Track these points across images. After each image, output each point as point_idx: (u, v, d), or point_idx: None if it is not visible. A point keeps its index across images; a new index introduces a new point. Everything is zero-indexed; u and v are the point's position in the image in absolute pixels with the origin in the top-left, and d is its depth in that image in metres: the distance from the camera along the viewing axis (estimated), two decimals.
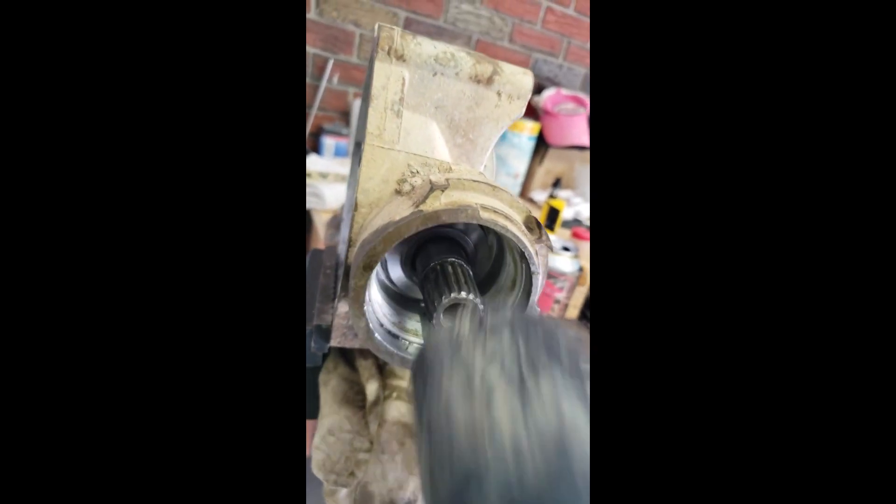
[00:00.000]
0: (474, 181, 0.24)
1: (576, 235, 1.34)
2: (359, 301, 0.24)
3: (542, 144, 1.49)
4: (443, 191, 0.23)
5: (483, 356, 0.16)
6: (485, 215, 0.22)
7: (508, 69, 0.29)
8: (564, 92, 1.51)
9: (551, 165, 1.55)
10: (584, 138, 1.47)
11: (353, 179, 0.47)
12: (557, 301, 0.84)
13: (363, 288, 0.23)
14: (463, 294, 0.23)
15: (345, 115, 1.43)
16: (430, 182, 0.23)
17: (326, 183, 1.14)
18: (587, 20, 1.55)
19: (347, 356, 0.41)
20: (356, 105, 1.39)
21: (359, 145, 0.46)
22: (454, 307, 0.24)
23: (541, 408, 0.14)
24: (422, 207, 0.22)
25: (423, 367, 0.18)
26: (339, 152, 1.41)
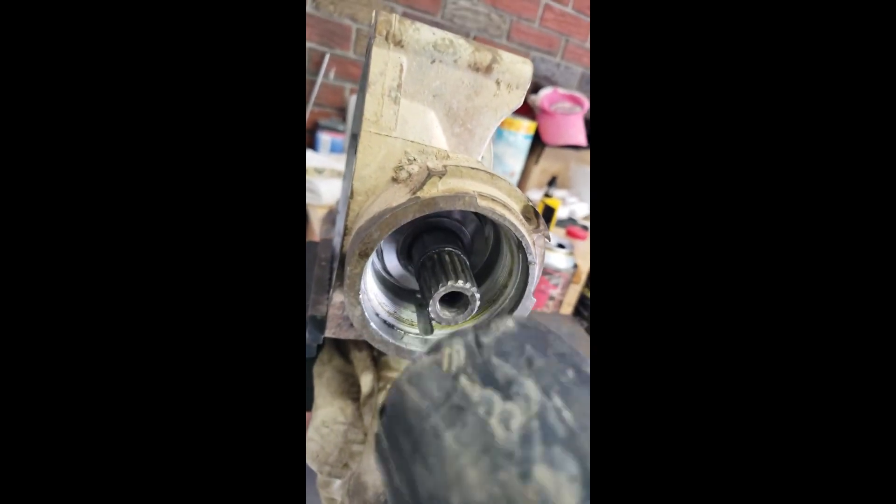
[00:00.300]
0: (472, 168, 0.24)
1: (570, 234, 1.35)
2: (354, 289, 0.24)
3: (538, 143, 1.50)
4: (440, 177, 0.23)
5: (495, 391, 0.11)
6: (482, 203, 0.22)
7: (507, 58, 0.29)
8: (561, 91, 1.51)
9: (547, 164, 1.55)
10: (580, 137, 1.47)
11: (349, 170, 0.47)
12: (552, 297, 0.84)
13: (359, 276, 0.23)
14: (460, 283, 0.23)
15: (341, 111, 1.42)
16: (428, 169, 0.23)
17: (322, 178, 1.14)
18: (586, 19, 1.56)
19: (342, 348, 0.40)
20: (353, 101, 1.38)
21: (355, 137, 0.45)
22: (450, 297, 0.24)
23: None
24: (419, 194, 0.22)
25: (402, 415, 0.12)
26: (335, 148, 1.41)
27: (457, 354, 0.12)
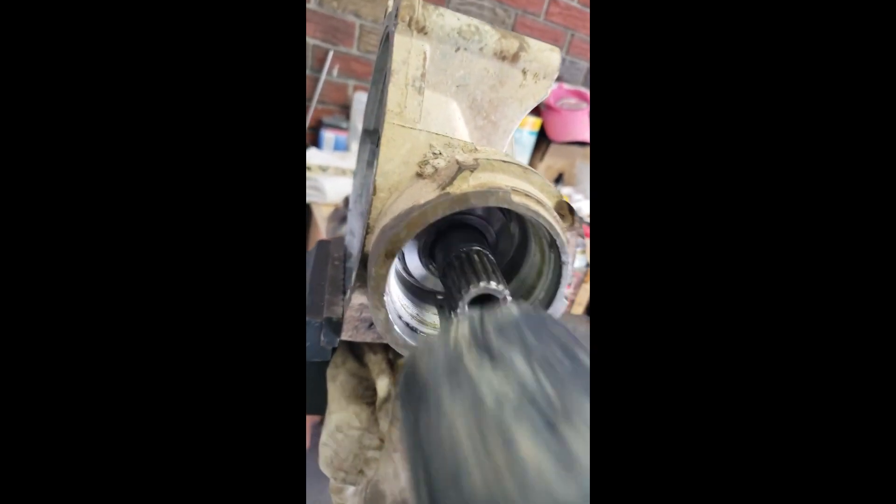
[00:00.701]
0: (504, 162, 0.22)
1: None
2: (379, 291, 0.22)
3: (543, 140, 1.48)
4: (471, 171, 0.21)
5: (492, 369, 0.13)
6: (516, 199, 0.21)
7: (535, 45, 0.27)
8: (567, 86, 1.50)
9: (552, 161, 1.53)
10: (585, 134, 1.46)
11: (360, 166, 0.45)
12: (564, 297, 0.83)
13: (384, 277, 0.22)
14: (492, 284, 0.21)
15: (345, 109, 1.41)
16: (458, 162, 0.22)
17: (326, 176, 1.12)
18: None
19: (356, 351, 0.39)
20: (356, 98, 1.36)
21: (367, 132, 0.44)
22: (479, 300, 0.22)
23: (576, 437, 0.11)
24: (448, 189, 0.21)
25: (414, 373, 0.15)
26: (338, 146, 1.39)
27: (462, 331, 0.15)
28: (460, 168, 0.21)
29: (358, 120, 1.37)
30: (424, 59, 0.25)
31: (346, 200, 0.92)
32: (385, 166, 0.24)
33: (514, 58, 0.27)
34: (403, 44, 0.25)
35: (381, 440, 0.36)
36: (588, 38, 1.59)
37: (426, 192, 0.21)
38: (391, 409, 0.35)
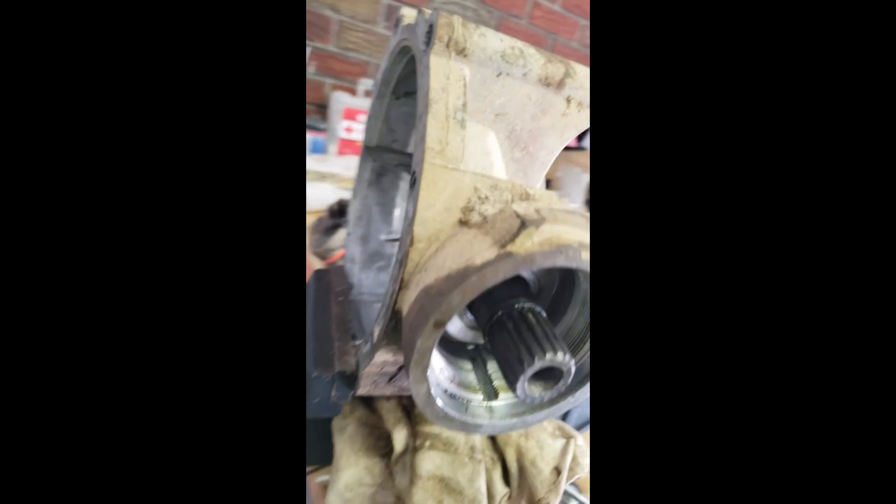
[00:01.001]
0: (567, 212, 0.19)
1: None
2: (423, 364, 0.19)
3: None
4: (537, 227, 0.18)
5: None
6: (587, 257, 0.18)
7: (582, 72, 0.24)
8: None
9: None
10: None
11: (360, 186, 0.41)
12: None
13: (430, 350, 0.18)
14: (559, 357, 0.18)
15: (321, 108, 1.34)
16: (519, 217, 0.18)
17: (307, 182, 1.06)
18: (573, 17, 1.53)
19: (365, 397, 0.35)
20: (335, 97, 1.30)
21: (368, 149, 0.40)
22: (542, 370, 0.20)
23: None
24: (510, 248, 0.18)
25: None
26: (316, 148, 1.32)
27: None
28: (523, 224, 0.18)
29: (336, 121, 1.31)
30: (465, 85, 0.22)
31: (331, 210, 0.87)
32: (424, 213, 0.20)
33: (559, 84, 0.24)
34: (442, 67, 0.21)
35: (398, 498, 0.32)
36: (568, 43, 1.59)
37: (481, 249, 0.18)
38: (409, 462, 0.32)
